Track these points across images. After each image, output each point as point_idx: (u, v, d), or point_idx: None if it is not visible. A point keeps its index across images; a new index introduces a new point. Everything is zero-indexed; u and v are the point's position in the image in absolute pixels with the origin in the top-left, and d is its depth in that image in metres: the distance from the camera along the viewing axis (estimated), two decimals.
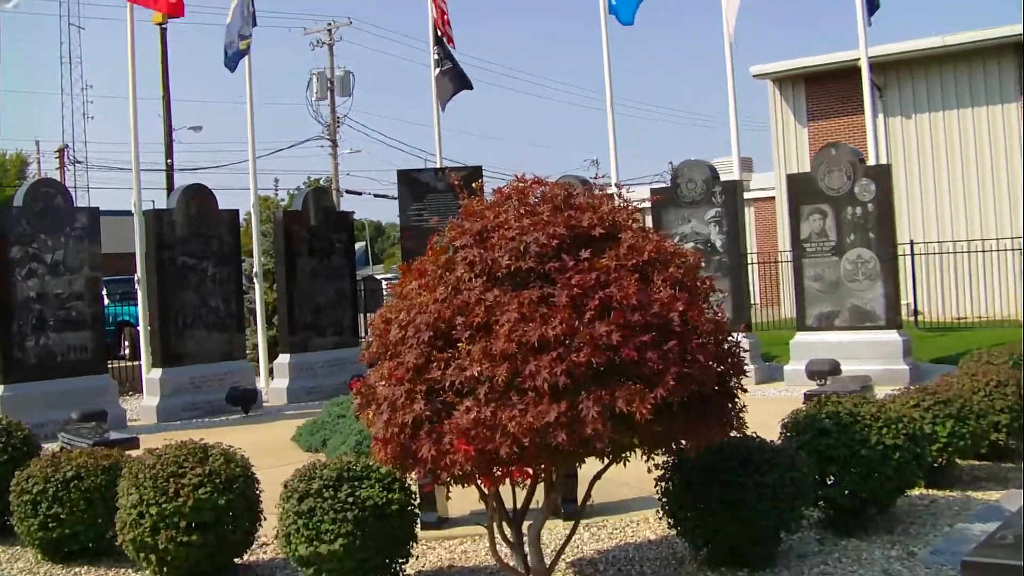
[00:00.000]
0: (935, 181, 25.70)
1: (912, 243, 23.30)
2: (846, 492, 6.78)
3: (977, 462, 8.83)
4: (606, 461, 5.54)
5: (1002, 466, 8.77)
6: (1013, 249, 22.02)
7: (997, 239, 22.74)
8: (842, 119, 26.56)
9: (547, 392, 4.73)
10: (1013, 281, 22.48)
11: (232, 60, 17.53)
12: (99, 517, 6.90)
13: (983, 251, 22.95)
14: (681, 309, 5.01)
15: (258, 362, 17.68)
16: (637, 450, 5.46)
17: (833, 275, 14.75)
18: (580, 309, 4.87)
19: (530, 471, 5.12)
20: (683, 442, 5.38)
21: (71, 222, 13.95)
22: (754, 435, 6.33)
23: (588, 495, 6.22)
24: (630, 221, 5.58)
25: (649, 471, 5.79)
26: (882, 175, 14.67)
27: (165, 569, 6.36)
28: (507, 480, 5.27)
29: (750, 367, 14.71)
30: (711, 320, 5.21)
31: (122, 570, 7.00)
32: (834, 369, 13.05)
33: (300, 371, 16.22)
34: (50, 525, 6.97)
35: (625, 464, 5.52)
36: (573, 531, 6.07)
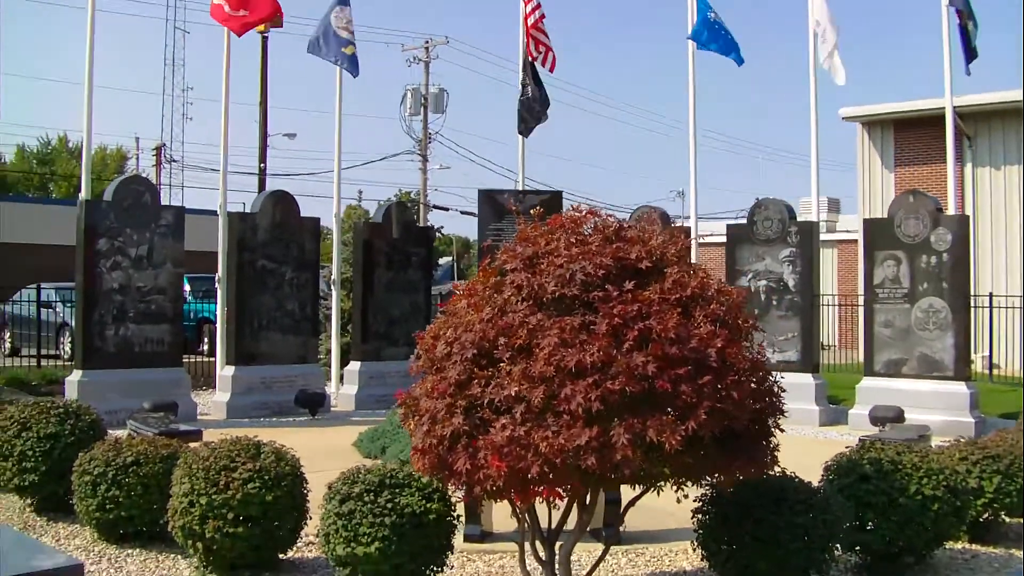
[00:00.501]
0: (1021, 233, 25.39)
1: (992, 295, 23.03)
2: (882, 538, 6.84)
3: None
4: (639, 489, 5.71)
5: None
6: None
7: None
8: (929, 166, 26.35)
9: (581, 416, 4.90)
10: None
11: (351, 65, 18.01)
12: (154, 503, 7.23)
13: None
14: (720, 345, 5.15)
15: (330, 367, 18.04)
16: (686, 482, 5.63)
17: (904, 322, 14.71)
18: (619, 338, 5.04)
19: (560, 492, 5.26)
20: (715, 476, 5.51)
21: (157, 219, 14.41)
22: (793, 475, 6.46)
23: (621, 520, 6.39)
24: (679, 256, 5.72)
25: (679, 501, 5.89)
26: (959, 225, 14.61)
27: (211, 557, 6.66)
28: (538, 499, 5.45)
29: (814, 408, 15.02)
30: (748, 358, 5.34)
31: (172, 555, 7.33)
32: (898, 416, 12.99)
33: (370, 379, 16.51)
34: (107, 507, 7.31)
35: (674, 495, 5.68)
36: (604, 554, 6.23)
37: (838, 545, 6.87)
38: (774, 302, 15.90)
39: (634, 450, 4.87)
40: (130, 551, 7.47)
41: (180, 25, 56.49)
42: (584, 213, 5.83)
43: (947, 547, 7.74)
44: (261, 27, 37.07)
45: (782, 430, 5.83)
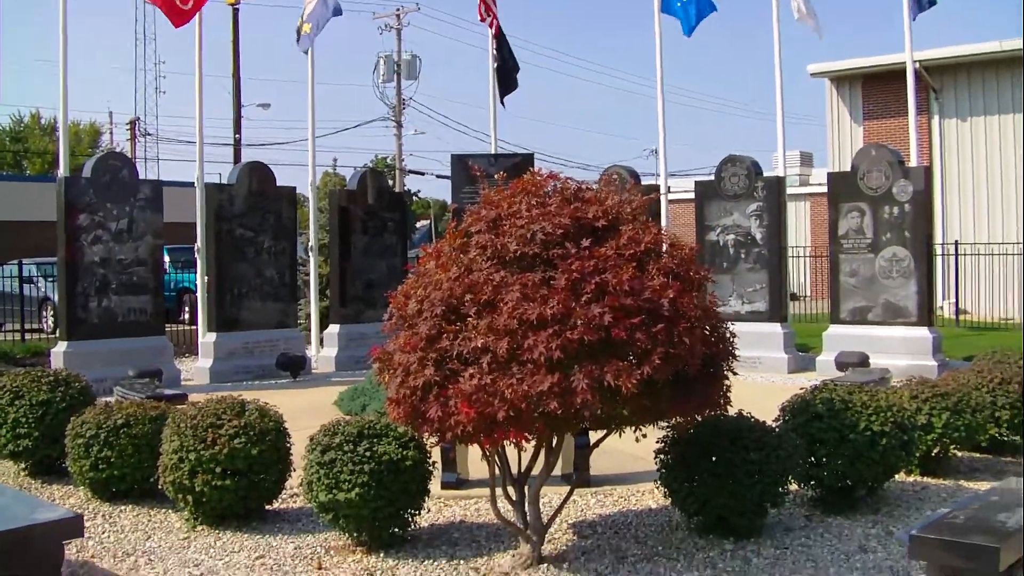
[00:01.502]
0: (988, 183, 25.90)
1: (957, 243, 23.54)
2: (834, 473, 7.27)
3: (978, 454, 9.28)
4: (602, 432, 6.11)
5: (1001, 459, 9.21)
6: None
7: None
8: (897, 119, 26.71)
9: (543, 364, 5.29)
10: None
11: (304, 42, 18.23)
12: (144, 462, 7.62)
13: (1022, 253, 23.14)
14: (671, 296, 5.53)
15: (310, 331, 18.39)
16: (646, 424, 6.05)
17: (868, 271, 15.12)
18: (578, 292, 5.41)
19: (526, 435, 5.65)
20: (671, 416, 5.92)
21: (135, 193, 14.69)
22: (749, 415, 6.89)
23: (586, 463, 6.81)
24: (634, 214, 6.09)
25: (637, 441, 6.28)
26: (920, 176, 14.99)
27: (200, 510, 7.08)
28: (505, 442, 5.85)
29: (783, 356, 15.48)
30: (699, 307, 5.72)
31: (163, 510, 7.73)
32: (862, 361, 13.41)
33: (349, 341, 16.86)
34: (100, 467, 7.69)
35: (640, 439, 6.09)
36: (570, 493, 6.69)
37: (795, 480, 7.35)
38: (742, 255, 16.28)
39: (593, 394, 5.24)
40: (123, 508, 7.86)
41: None
42: (544, 176, 6.18)
43: (899, 480, 8.21)
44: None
45: (735, 373, 6.26)
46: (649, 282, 5.54)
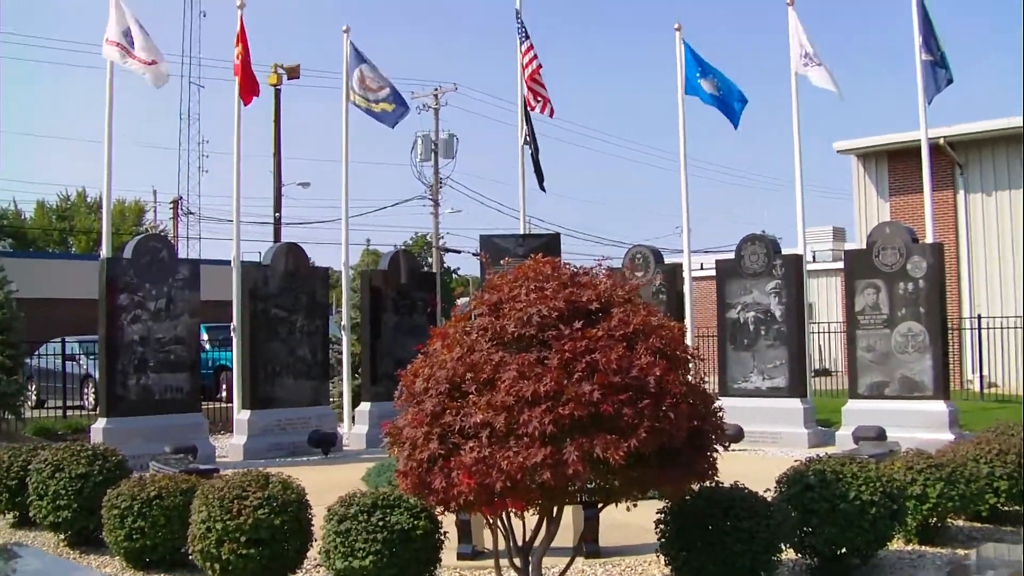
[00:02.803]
0: (1013, 256, 26.15)
1: (980, 317, 23.81)
2: (826, 541, 7.63)
3: (978, 524, 9.59)
4: (619, 507, 6.56)
5: (1001, 528, 9.52)
6: None
7: None
8: (922, 195, 26.93)
9: (537, 438, 5.72)
10: None
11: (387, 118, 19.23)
12: (175, 532, 8.09)
13: None
14: (658, 373, 5.96)
15: (342, 409, 18.89)
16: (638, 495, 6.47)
17: (885, 347, 15.48)
18: (569, 370, 5.86)
19: (523, 504, 6.08)
20: (660, 487, 6.33)
21: (174, 273, 15.33)
22: (743, 487, 7.27)
23: (595, 534, 7.21)
24: (628, 297, 6.55)
25: (628, 509, 6.70)
26: (933, 253, 15.39)
27: None
28: (511, 512, 6.29)
29: (803, 431, 15.81)
30: (684, 383, 6.15)
31: None
32: (879, 435, 13.63)
33: (380, 419, 17.14)
34: (134, 536, 8.18)
35: (649, 513, 6.50)
36: (571, 561, 7.07)
37: (791, 548, 7.72)
38: (762, 332, 16.69)
39: (584, 465, 5.67)
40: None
41: (195, 80, 57.70)
42: (543, 263, 6.66)
43: (896, 549, 8.57)
44: (273, 79, 38.45)
45: (726, 447, 6.65)
46: (637, 361, 5.98)
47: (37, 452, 10.19)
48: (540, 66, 20.03)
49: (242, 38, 17.41)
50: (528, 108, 20.19)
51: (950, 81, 17.49)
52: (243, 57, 17.28)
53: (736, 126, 19.03)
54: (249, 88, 17.43)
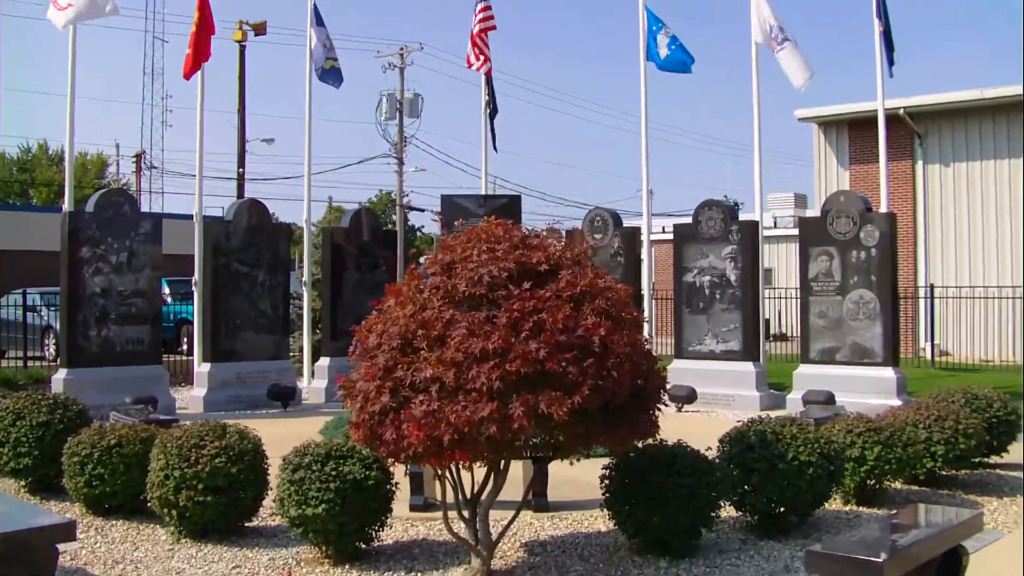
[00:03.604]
0: (970, 227, 26.56)
1: (932, 286, 24.24)
2: (765, 500, 7.92)
3: (916, 487, 9.92)
4: (566, 464, 6.79)
5: (938, 492, 9.86)
6: None
7: None
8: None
9: (485, 394, 5.95)
10: None
11: (331, 78, 19.27)
12: (134, 480, 8.31)
13: (1001, 297, 23.88)
14: (602, 333, 6.20)
15: (302, 364, 19.07)
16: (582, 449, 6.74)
17: (836, 313, 15.80)
18: (517, 329, 6.09)
19: (470, 456, 6.32)
20: (602, 442, 6.60)
21: (136, 227, 15.43)
22: (685, 445, 7.55)
23: (543, 488, 7.50)
24: (577, 259, 6.78)
25: (571, 464, 6.98)
26: (885, 222, 15.69)
27: (184, 524, 7.79)
28: (460, 465, 6.55)
29: (755, 394, 16.13)
30: (628, 343, 6.38)
31: (151, 525, 8.43)
32: (828, 400, 14.00)
33: (338, 373, 17.45)
34: (94, 483, 8.40)
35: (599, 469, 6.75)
36: (517, 513, 7.32)
37: (732, 506, 8.03)
38: (717, 296, 16.98)
39: (529, 420, 5.91)
40: (114, 522, 8.56)
41: (159, 35, 57.45)
42: (495, 224, 6.87)
43: (834, 509, 8.90)
44: (238, 35, 38.34)
45: (667, 404, 6.92)
46: (583, 321, 6.22)
47: None
48: (494, 27, 20.17)
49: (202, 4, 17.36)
50: (467, 65, 20.37)
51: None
52: (198, 25, 17.25)
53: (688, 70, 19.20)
54: (194, 61, 17.36)
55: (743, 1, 17.88)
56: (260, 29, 38.95)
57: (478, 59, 20.01)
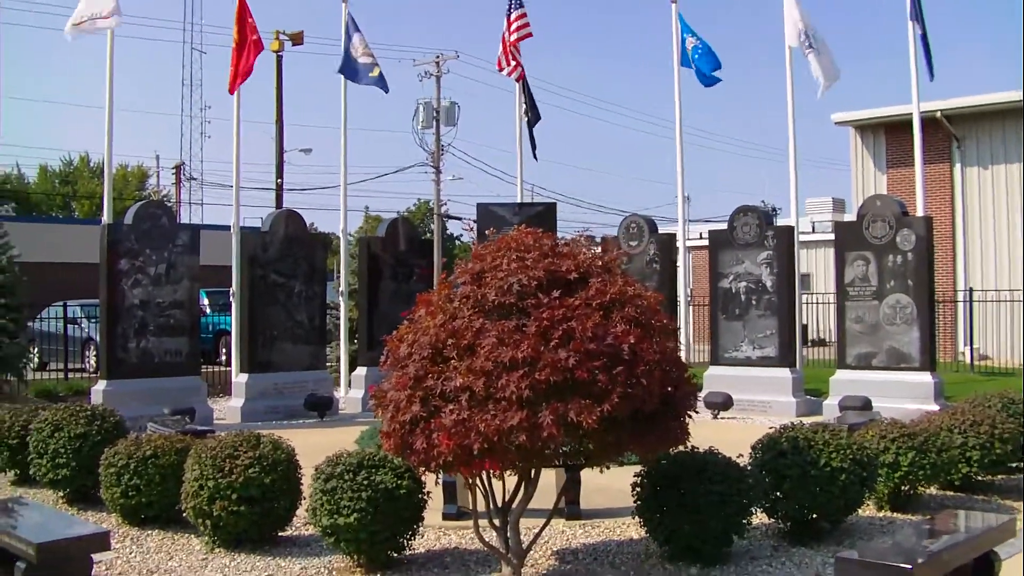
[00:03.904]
0: (1009, 230, 26.35)
1: (971, 290, 24.04)
2: (797, 506, 7.90)
3: (951, 492, 9.86)
4: (596, 472, 6.82)
5: (973, 497, 9.79)
6: None
7: None
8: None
9: (515, 402, 5.98)
10: None
11: (378, 83, 19.29)
12: (170, 490, 8.39)
13: None
14: (632, 341, 6.21)
15: (339, 373, 19.17)
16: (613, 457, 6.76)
17: (873, 318, 15.72)
18: (547, 337, 6.11)
19: (500, 465, 6.34)
20: (632, 450, 6.61)
21: (174, 239, 15.59)
22: (716, 452, 7.54)
23: (576, 496, 7.53)
24: (607, 267, 6.79)
25: (601, 472, 6.98)
26: (922, 226, 15.60)
27: (218, 534, 7.87)
28: (491, 473, 6.58)
29: (791, 400, 16.07)
30: (657, 351, 6.39)
31: (185, 534, 8.51)
32: (865, 405, 13.97)
33: (375, 383, 17.57)
34: (130, 494, 8.49)
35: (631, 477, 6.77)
36: (547, 522, 7.35)
37: (763, 512, 8.01)
38: (753, 302, 16.93)
39: (558, 428, 5.93)
40: (150, 532, 8.65)
41: (197, 46, 58.00)
42: (525, 233, 6.90)
43: (868, 515, 8.86)
44: (275, 46, 38.59)
45: (697, 411, 6.92)
46: (612, 329, 6.23)
47: (37, 412, 10.51)
48: (530, 34, 20.20)
49: (241, 15, 17.50)
50: (498, 69, 20.40)
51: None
52: (238, 40, 17.40)
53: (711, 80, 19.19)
54: (234, 76, 17.51)
55: (778, 4, 17.80)
56: (297, 39, 39.15)
57: (509, 64, 20.05)
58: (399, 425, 6.33)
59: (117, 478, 8.51)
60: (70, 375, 22.51)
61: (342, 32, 19.36)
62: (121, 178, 63.45)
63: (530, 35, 20.10)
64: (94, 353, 23.65)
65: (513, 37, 19.96)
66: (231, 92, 17.63)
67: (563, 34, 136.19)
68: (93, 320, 22.87)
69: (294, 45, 39.32)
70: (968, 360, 24.40)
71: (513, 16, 20.05)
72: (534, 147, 21.00)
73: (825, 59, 17.68)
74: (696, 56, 19.01)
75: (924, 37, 17.10)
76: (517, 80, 20.36)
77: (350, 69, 19.24)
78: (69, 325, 23.63)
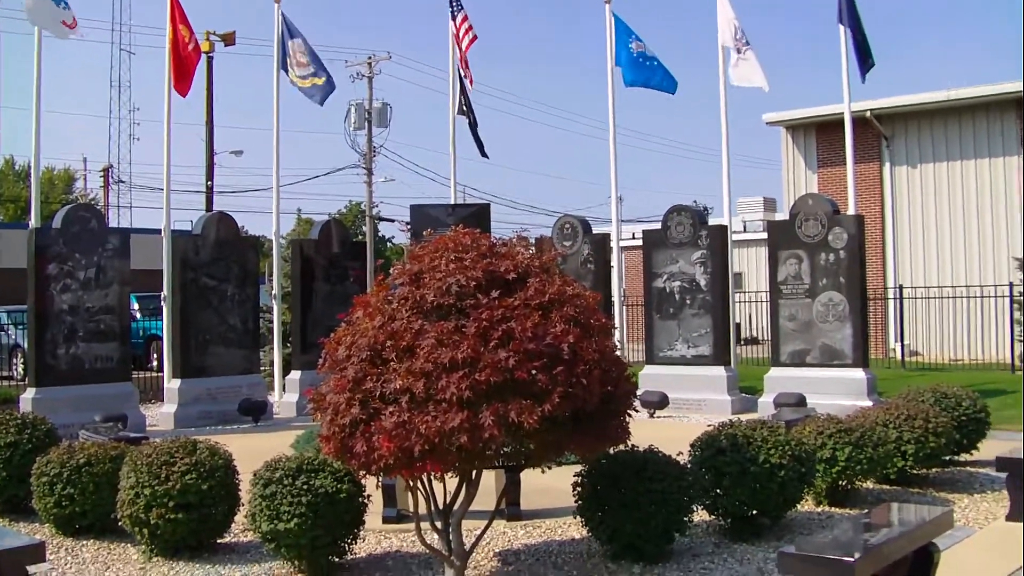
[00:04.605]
0: (937, 228, 26.75)
1: (901, 287, 24.38)
2: (737, 503, 7.94)
3: (887, 486, 9.98)
4: (539, 472, 6.77)
5: (908, 490, 9.91)
6: (1001, 296, 23.06)
7: (995, 285, 23.76)
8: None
9: (455, 403, 5.93)
10: (1004, 326, 23.35)
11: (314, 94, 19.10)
12: (105, 498, 8.23)
13: (969, 296, 24.05)
14: (571, 341, 6.19)
15: (273, 378, 19.00)
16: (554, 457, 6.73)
17: (806, 316, 15.87)
18: (486, 338, 6.07)
19: (442, 467, 6.30)
20: (573, 449, 6.59)
21: (104, 243, 15.36)
22: (656, 450, 7.56)
23: (516, 497, 7.49)
24: (545, 267, 6.77)
25: (543, 472, 6.96)
26: (853, 224, 15.78)
27: (155, 542, 7.73)
28: (431, 475, 6.52)
29: (726, 398, 16.15)
30: (597, 351, 6.38)
31: (122, 544, 8.35)
32: (799, 402, 14.06)
33: (309, 387, 17.40)
34: (63, 503, 8.31)
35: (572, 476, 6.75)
36: (489, 523, 7.33)
37: (704, 510, 8.04)
38: (687, 301, 17.02)
39: (499, 429, 5.89)
40: (85, 542, 8.47)
41: (125, 47, 57.25)
42: (464, 233, 6.86)
43: (806, 510, 8.94)
44: (206, 46, 38.14)
45: (636, 410, 6.92)
46: (551, 329, 6.21)
47: None
48: (475, 38, 20.19)
49: (175, 16, 17.32)
50: (463, 79, 20.36)
51: (871, 65, 17.83)
52: (174, 39, 17.22)
53: (671, 90, 19.27)
54: (182, 75, 17.37)
55: (710, 3, 17.95)
56: (229, 40, 38.75)
57: (465, 72, 20.10)
58: (338, 428, 6.26)
59: (50, 487, 8.33)
60: None
61: (275, 34, 19.16)
62: (47, 181, 62.47)
63: (475, 38, 20.12)
64: (21, 360, 23.26)
65: (464, 44, 19.97)
66: (184, 95, 17.51)
67: (494, 34, 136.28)
68: (20, 326, 22.49)
69: (227, 46, 38.94)
70: (899, 356, 24.74)
71: (458, 21, 20.04)
72: (482, 147, 21.01)
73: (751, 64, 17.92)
74: (647, 64, 18.98)
75: (856, 40, 17.33)
76: (469, 83, 20.34)
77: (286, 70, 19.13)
78: None
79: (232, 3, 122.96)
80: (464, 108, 20.64)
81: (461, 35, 20.10)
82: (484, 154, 21.24)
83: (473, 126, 20.72)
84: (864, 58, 17.63)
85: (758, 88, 18.12)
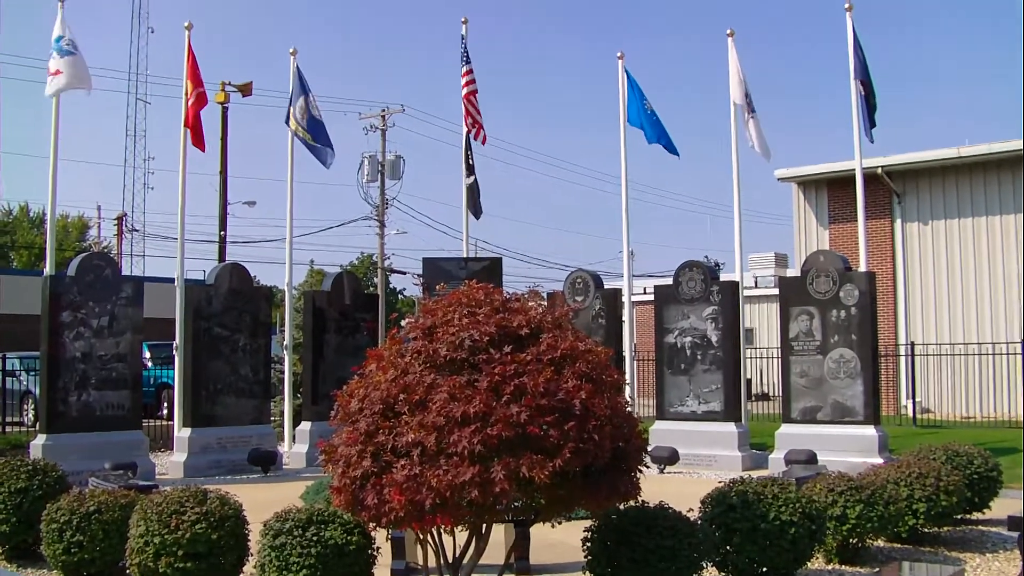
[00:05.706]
0: (948, 284, 26.76)
1: (912, 344, 24.34)
2: (747, 560, 7.91)
3: (898, 544, 9.92)
4: (548, 527, 6.75)
5: (920, 549, 9.85)
6: (1013, 353, 23.01)
7: (1007, 343, 23.74)
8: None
9: (467, 457, 5.95)
10: (1016, 384, 23.28)
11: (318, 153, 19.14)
12: (114, 546, 8.23)
13: (981, 354, 24.00)
14: (583, 396, 6.22)
15: (283, 428, 18.99)
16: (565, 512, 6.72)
17: (817, 372, 15.86)
18: (499, 393, 6.10)
19: (452, 521, 6.30)
20: (584, 504, 6.59)
21: (117, 291, 15.46)
22: (667, 506, 7.54)
23: (525, 552, 7.46)
24: (557, 322, 6.81)
25: (553, 526, 6.95)
26: (865, 281, 15.80)
27: None
28: (442, 529, 6.52)
29: (737, 454, 16.10)
30: (608, 406, 6.40)
31: None
32: (810, 459, 14.00)
33: (320, 438, 17.33)
34: (72, 550, 8.31)
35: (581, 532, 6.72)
36: None
37: (715, 567, 8.01)
38: (699, 357, 17.02)
39: (510, 483, 5.91)
40: None
41: (141, 96, 57.73)
42: (476, 288, 6.91)
43: (817, 568, 8.88)
44: (221, 97, 38.38)
45: (648, 466, 6.92)
46: (564, 384, 6.24)
47: None
48: (476, 91, 20.27)
49: (192, 71, 17.49)
50: (468, 136, 20.42)
51: (873, 125, 17.92)
52: (194, 98, 17.39)
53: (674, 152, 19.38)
54: (196, 131, 17.55)
55: (722, 62, 18.08)
56: (246, 90, 38.95)
57: (472, 125, 20.10)
58: (350, 480, 6.29)
59: (59, 534, 8.35)
60: (8, 429, 22.13)
61: (290, 84, 19.29)
62: (61, 229, 62.77)
63: (476, 91, 20.19)
64: (32, 406, 23.29)
65: (464, 92, 20.06)
66: (202, 148, 17.68)
67: (508, 91, 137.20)
68: (32, 373, 22.54)
69: (243, 96, 39.13)
70: (911, 413, 24.65)
71: (463, 71, 20.18)
72: (478, 208, 20.92)
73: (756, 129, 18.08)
74: (658, 122, 19.12)
75: (867, 97, 17.42)
76: (482, 142, 20.35)
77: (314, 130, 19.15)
78: (7, 378, 23.26)
79: (247, 53, 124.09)
80: (468, 166, 20.61)
81: (463, 85, 20.22)
82: (477, 215, 21.04)
83: (472, 185, 20.60)
84: (871, 113, 17.72)
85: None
